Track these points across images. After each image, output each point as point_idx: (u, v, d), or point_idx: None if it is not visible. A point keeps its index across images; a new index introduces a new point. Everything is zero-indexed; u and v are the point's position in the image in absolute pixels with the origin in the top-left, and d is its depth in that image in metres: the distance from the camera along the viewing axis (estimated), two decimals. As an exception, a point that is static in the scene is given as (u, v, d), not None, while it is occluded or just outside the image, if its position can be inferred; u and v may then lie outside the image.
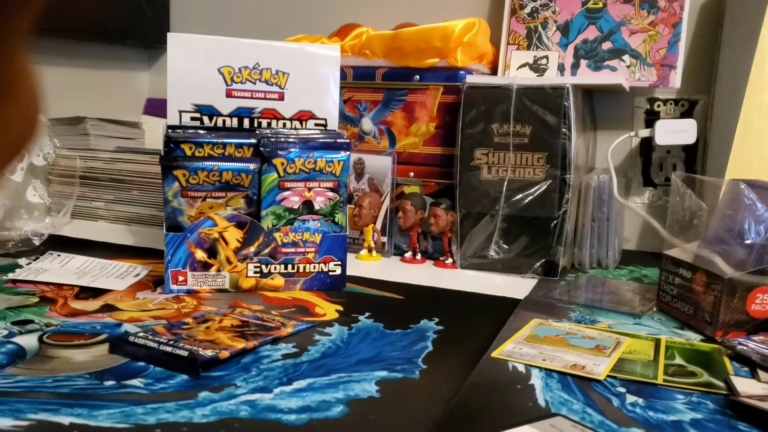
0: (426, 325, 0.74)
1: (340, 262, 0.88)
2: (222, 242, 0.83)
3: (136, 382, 0.56)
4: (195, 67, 0.87)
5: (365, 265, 1.03)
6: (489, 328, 0.73)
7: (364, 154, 1.10)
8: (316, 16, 1.42)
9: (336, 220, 0.88)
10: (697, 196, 0.82)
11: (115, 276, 0.89)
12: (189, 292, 0.83)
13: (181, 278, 0.83)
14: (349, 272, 0.89)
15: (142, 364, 0.60)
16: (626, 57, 1.11)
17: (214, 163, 0.82)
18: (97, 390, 0.54)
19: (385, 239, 1.08)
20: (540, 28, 1.17)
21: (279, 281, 0.86)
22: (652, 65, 1.10)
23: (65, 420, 0.49)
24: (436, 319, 0.76)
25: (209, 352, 0.60)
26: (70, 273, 0.89)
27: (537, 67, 1.16)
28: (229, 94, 0.87)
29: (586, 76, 1.12)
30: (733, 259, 0.72)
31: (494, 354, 0.65)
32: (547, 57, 1.15)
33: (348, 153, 0.87)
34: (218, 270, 0.83)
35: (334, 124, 0.91)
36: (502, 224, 0.99)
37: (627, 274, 1.02)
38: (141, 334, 0.64)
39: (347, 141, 0.88)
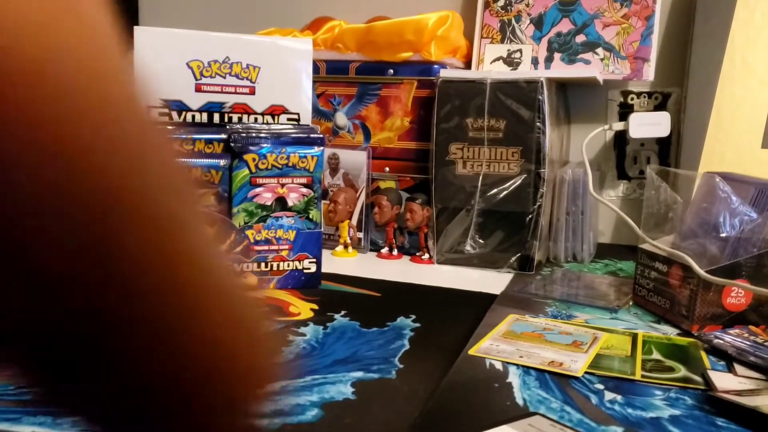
0: (403, 323, 0.73)
1: (314, 260, 0.86)
2: (193, 241, 0.81)
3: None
4: (163, 62, 0.84)
5: (341, 261, 1.01)
6: (466, 324, 0.72)
7: (338, 149, 1.08)
8: (288, 10, 1.40)
9: (310, 216, 0.86)
10: (671, 188, 0.82)
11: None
12: (159, 293, 0.81)
13: (150, 278, 0.80)
14: (324, 269, 0.88)
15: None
16: (600, 50, 1.11)
17: (183, 159, 0.80)
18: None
19: (361, 235, 1.07)
20: (513, 21, 1.16)
21: (252, 280, 0.84)
22: (625, 58, 1.10)
23: (27, 429, 0.47)
24: (413, 317, 0.75)
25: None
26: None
27: (511, 61, 1.15)
28: (198, 89, 0.85)
29: (560, 70, 1.12)
30: (709, 252, 0.72)
31: (471, 351, 0.64)
32: (520, 50, 1.15)
33: (322, 148, 0.86)
34: (189, 269, 0.81)
35: (307, 118, 0.90)
36: (477, 219, 0.98)
37: (602, 268, 1.02)
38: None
39: (321, 136, 0.86)
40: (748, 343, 0.66)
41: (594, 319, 0.77)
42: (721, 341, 0.66)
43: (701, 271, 0.70)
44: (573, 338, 0.68)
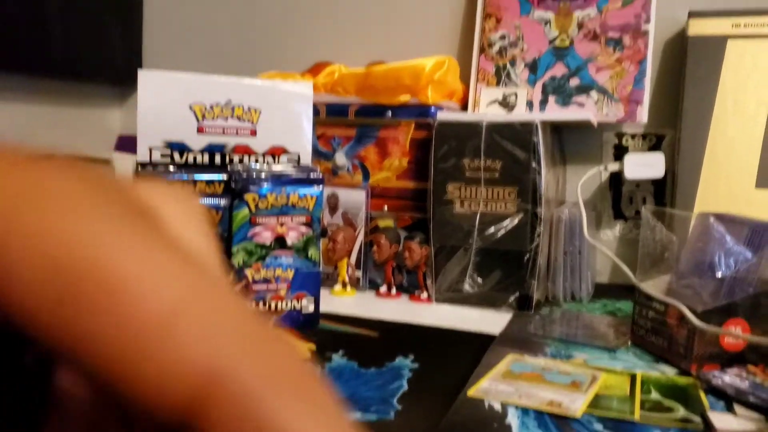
0: (401, 363, 0.73)
1: (313, 299, 0.87)
2: (192, 281, 0.81)
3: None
4: (166, 104, 0.86)
5: (340, 300, 1.01)
6: (465, 364, 0.72)
7: (337, 189, 1.09)
8: (289, 54, 1.43)
9: (309, 255, 0.87)
10: (667, 229, 0.83)
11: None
12: (158, 333, 0.81)
13: (150, 318, 0.81)
14: (323, 308, 0.88)
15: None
16: (594, 93, 1.13)
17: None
18: None
19: (359, 274, 1.07)
20: (508, 65, 1.19)
21: (251, 320, 0.84)
22: (619, 101, 1.12)
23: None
24: (412, 356, 0.75)
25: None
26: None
27: (506, 104, 1.17)
28: (200, 131, 0.87)
29: (555, 113, 1.14)
30: (705, 292, 0.72)
31: (470, 392, 0.64)
32: (516, 94, 1.17)
33: (321, 187, 0.87)
34: (188, 309, 0.82)
35: (307, 159, 0.91)
36: (475, 258, 0.99)
37: (601, 308, 1.02)
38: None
39: (320, 176, 0.88)
40: (747, 383, 0.66)
41: (593, 358, 0.77)
42: (720, 381, 0.66)
43: (694, 320, 0.70)
44: (572, 378, 0.68)
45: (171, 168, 0.83)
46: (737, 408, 0.62)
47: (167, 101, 0.86)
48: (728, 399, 0.64)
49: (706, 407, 0.62)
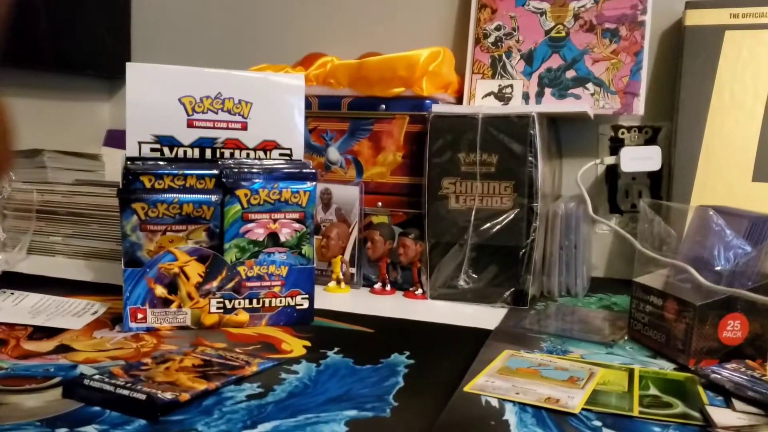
0: (397, 360, 0.72)
1: (307, 296, 0.85)
2: (183, 277, 0.80)
3: (90, 429, 0.53)
4: (155, 98, 0.84)
5: (334, 297, 1.00)
6: (461, 360, 0.71)
7: (331, 184, 1.08)
8: (280, 46, 1.42)
9: (303, 252, 0.85)
10: (665, 222, 0.82)
11: (72, 314, 0.85)
12: (149, 330, 0.80)
13: (140, 316, 0.79)
14: (317, 305, 0.87)
15: (97, 408, 0.57)
16: (590, 85, 1.12)
17: (175, 195, 0.80)
18: (47, 439, 0.51)
19: (353, 270, 1.06)
20: (504, 57, 1.17)
21: (243, 317, 0.83)
22: (615, 93, 1.11)
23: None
24: (407, 353, 0.74)
25: (168, 395, 0.57)
26: (24, 312, 0.85)
27: (502, 96, 1.16)
28: (190, 125, 0.85)
29: (551, 105, 1.13)
30: (704, 286, 0.71)
31: (467, 388, 0.63)
32: (511, 86, 1.16)
33: (314, 183, 0.86)
34: (179, 306, 0.80)
35: (299, 153, 0.90)
36: (471, 253, 0.98)
37: (596, 302, 1.01)
38: (97, 377, 0.61)
39: (313, 171, 0.86)
40: (745, 377, 0.65)
41: (589, 354, 0.76)
42: (719, 376, 0.66)
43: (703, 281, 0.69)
44: (569, 374, 0.67)
45: (161, 163, 0.82)
46: (736, 402, 0.61)
47: (156, 94, 0.84)
48: (727, 394, 0.63)
49: (705, 402, 0.61)
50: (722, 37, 1.06)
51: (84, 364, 0.68)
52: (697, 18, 1.07)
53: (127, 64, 0.84)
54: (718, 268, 0.71)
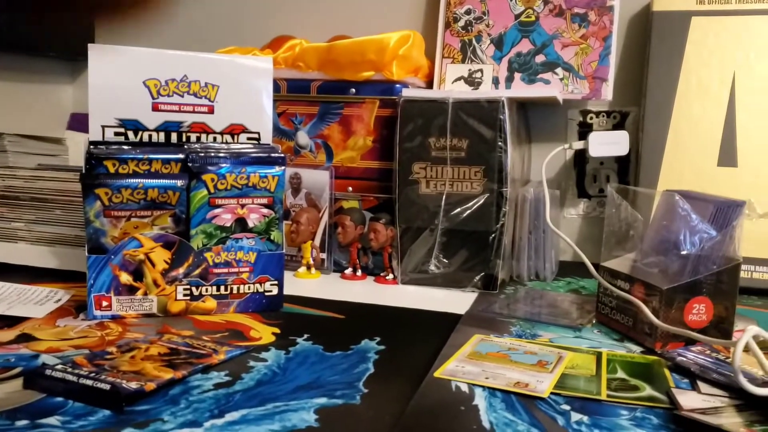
0: (367, 346, 0.72)
1: (276, 282, 0.85)
2: (148, 264, 0.78)
3: (52, 420, 0.52)
4: (118, 80, 0.82)
5: (304, 283, 1.00)
6: (431, 345, 0.71)
7: (300, 169, 1.07)
8: (248, 28, 1.39)
9: (272, 237, 0.84)
10: (632, 206, 0.82)
11: (34, 302, 0.83)
12: (114, 318, 0.78)
13: (105, 303, 0.78)
14: (286, 291, 0.86)
15: (60, 399, 0.56)
16: (559, 70, 1.12)
17: (139, 180, 0.78)
18: (8, 431, 0.50)
19: (324, 256, 1.05)
20: (474, 41, 1.17)
21: (211, 304, 0.82)
22: (584, 78, 1.11)
23: None
24: (378, 339, 0.74)
25: (134, 385, 0.56)
26: (-17, 300, 0.83)
27: (472, 81, 1.16)
28: (155, 108, 0.83)
29: (521, 89, 1.13)
30: (670, 270, 0.72)
31: (437, 374, 0.63)
32: (481, 70, 1.16)
33: (283, 168, 0.84)
34: (145, 293, 0.79)
35: (267, 138, 0.88)
36: (441, 238, 0.98)
37: (565, 286, 1.02)
38: (59, 367, 0.59)
39: (282, 155, 0.85)
40: (710, 360, 0.66)
41: (558, 337, 0.76)
42: (684, 359, 0.67)
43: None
44: (538, 358, 0.68)
45: (125, 147, 0.80)
46: (701, 385, 0.62)
47: (120, 77, 0.82)
48: (692, 376, 0.64)
49: (671, 385, 0.62)
50: (689, 23, 1.07)
51: (46, 353, 0.66)
52: (665, 3, 1.08)
53: (90, 45, 0.82)
54: (684, 252, 0.72)
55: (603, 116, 1.19)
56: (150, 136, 0.83)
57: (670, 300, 0.71)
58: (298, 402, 0.56)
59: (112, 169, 0.78)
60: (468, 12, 1.18)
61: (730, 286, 0.72)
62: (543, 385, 0.60)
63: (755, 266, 1.00)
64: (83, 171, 0.78)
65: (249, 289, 0.83)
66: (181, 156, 0.80)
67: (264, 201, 0.83)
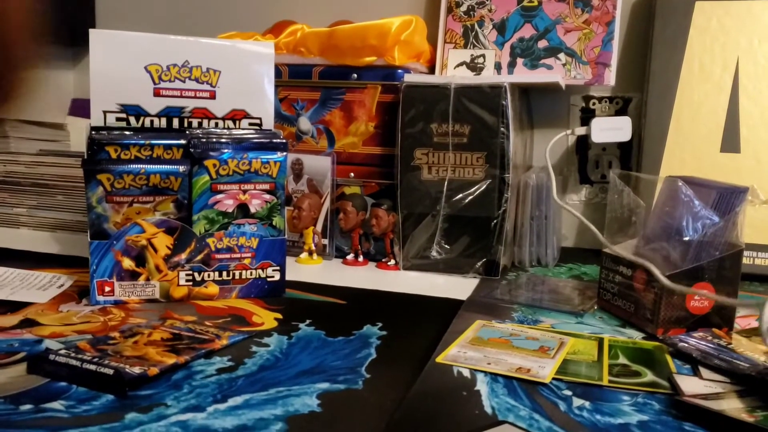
0: (369, 331, 0.72)
1: (278, 267, 0.85)
2: (151, 249, 0.79)
3: (56, 404, 0.52)
4: (120, 66, 0.82)
5: (306, 268, 1.00)
6: (433, 331, 0.72)
7: (302, 155, 1.07)
8: (249, 13, 1.38)
9: (274, 223, 0.84)
10: (634, 192, 0.82)
11: (37, 287, 0.83)
12: (116, 304, 0.78)
13: (107, 289, 0.78)
14: (289, 277, 0.86)
15: (63, 384, 0.56)
16: (562, 55, 1.11)
17: (141, 165, 0.78)
18: (12, 416, 0.50)
19: (326, 241, 1.05)
20: (476, 26, 1.16)
21: (213, 289, 0.82)
22: (587, 63, 1.10)
23: None
24: (380, 324, 0.74)
25: (137, 369, 0.56)
26: (-14, 286, 0.83)
27: (474, 66, 1.15)
28: (157, 93, 0.83)
29: (524, 75, 1.12)
30: (672, 256, 0.72)
31: (439, 359, 0.63)
32: (484, 56, 1.15)
33: (285, 153, 0.84)
34: (147, 279, 0.79)
35: (269, 123, 0.88)
36: (443, 224, 0.98)
37: (566, 272, 1.02)
38: (62, 352, 0.59)
39: (284, 141, 0.85)
40: (712, 346, 0.66)
41: (560, 323, 0.76)
42: (686, 344, 0.67)
43: (663, 279, 0.70)
44: (540, 344, 0.68)
45: (126, 133, 0.80)
46: (703, 371, 0.62)
47: (121, 62, 0.82)
48: (694, 362, 0.64)
49: (673, 371, 0.62)
50: (692, 8, 1.06)
51: (50, 338, 0.67)
52: (670, -12, 1.07)
53: (91, 30, 0.81)
54: (686, 238, 0.72)
55: (606, 102, 1.19)
56: (152, 122, 0.83)
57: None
58: (301, 387, 0.57)
59: (114, 155, 0.78)
60: (471, -4, 1.17)
61: (732, 273, 0.72)
62: (545, 370, 0.61)
63: (757, 252, 1.00)
64: (85, 156, 0.77)
65: (251, 274, 0.83)
66: (182, 141, 0.80)
67: (266, 187, 0.83)
